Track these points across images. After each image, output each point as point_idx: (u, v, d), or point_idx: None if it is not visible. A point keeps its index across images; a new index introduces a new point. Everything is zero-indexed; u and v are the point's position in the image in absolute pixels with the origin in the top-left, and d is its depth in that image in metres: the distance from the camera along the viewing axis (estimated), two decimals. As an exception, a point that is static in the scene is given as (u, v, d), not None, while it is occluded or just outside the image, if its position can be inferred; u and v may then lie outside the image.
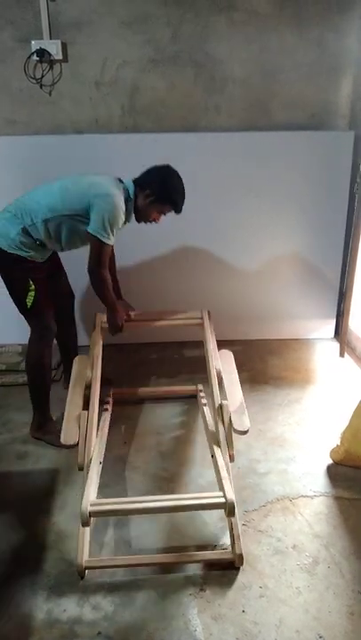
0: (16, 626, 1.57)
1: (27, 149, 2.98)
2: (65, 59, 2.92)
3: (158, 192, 2.26)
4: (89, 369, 2.26)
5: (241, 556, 1.74)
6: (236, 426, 1.91)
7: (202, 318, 2.57)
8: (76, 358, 2.39)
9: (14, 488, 2.15)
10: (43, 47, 2.85)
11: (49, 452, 2.34)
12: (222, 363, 2.31)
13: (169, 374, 2.98)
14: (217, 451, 1.96)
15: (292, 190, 3.12)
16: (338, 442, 2.24)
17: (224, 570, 1.73)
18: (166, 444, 2.41)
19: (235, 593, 1.66)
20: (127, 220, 2.31)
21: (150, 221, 2.37)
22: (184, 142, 3.01)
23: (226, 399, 2.07)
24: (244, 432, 1.90)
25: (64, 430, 1.92)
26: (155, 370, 3.04)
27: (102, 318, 2.51)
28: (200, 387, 2.71)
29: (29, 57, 2.88)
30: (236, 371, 2.28)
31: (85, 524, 1.67)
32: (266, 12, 2.90)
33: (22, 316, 2.36)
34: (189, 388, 2.77)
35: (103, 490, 2.06)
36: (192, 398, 2.73)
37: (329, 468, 2.22)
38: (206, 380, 2.31)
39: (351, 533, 1.88)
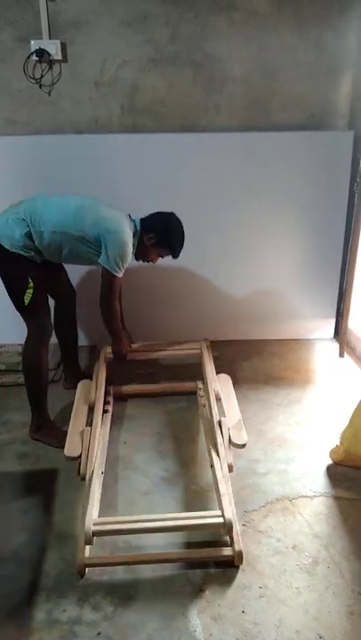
0: (16, 626, 1.57)
1: (26, 149, 2.98)
2: (64, 59, 2.92)
3: (161, 237, 2.41)
4: (93, 391, 2.44)
5: (240, 555, 1.74)
6: (235, 440, 2.10)
7: (200, 349, 2.77)
8: (80, 383, 2.57)
9: (14, 488, 2.15)
10: (42, 47, 2.85)
11: (49, 453, 2.34)
12: (221, 385, 2.49)
13: (169, 374, 2.98)
14: (216, 462, 2.01)
15: (292, 190, 3.12)
16: (338, 442, 2.24)
17: (224, 570, 1.73)
18: (166, 443, 2.41)
19: (234, 593, 1.66)
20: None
21: (148, 261, 2.51)
22: (184, 142, 3.01)
23: (224, 416, 2.25)
24: (243, 445, 2.09)
25: (68, 444, 2.09)
26: (155, 370, 3.04)
27: (107, 349, 2.71)
28: (200, 384, 2.72)
29: (29, 57, 2.88)
30: (233, 392, 2.46)
31: (88, 542, 1.71)
32: (265, 12, 2.90)
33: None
34: (189, 384, 2.78)
35: (103, 490, 2.07)
36: (191, 395, 2.73)
37: (329, 469, 2.22)
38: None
39: (351, 533, 1.88)
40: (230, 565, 1.75)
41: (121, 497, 2.07)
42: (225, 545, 1.81)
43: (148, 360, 2.78)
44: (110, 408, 2.57)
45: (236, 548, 1.75)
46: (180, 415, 2.62)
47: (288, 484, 2.13)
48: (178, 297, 3.23)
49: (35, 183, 2.97)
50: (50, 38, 2.85)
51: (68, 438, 2.12)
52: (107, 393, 2.63)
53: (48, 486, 2.14)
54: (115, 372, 2.76)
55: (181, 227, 2.45)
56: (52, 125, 3.04)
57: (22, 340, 2.41)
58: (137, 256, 2.46)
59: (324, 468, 2.23)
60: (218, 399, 2.39)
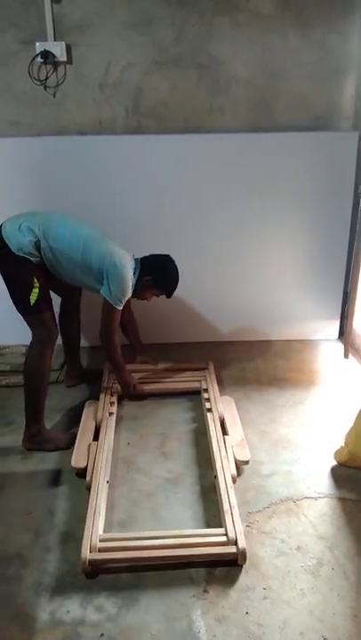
0: (19, 627, 1.57)
1: (31, 151, 2.99)
2: (69, 60, 2.93)
3: (157, 280, 2.53)
4: (100, 410, 2.51)
5: (244, 554, 1.73)
6: (239, 456, 2.19)
7: (204, 377, 2.82)
8: (87, 404, 2.64)
9: (18, 489, 2.15)
10: (47, 49, 2.85)
11: (53, 453, 2.34)
12: (224, 406, 2.55)
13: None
14: (220, 473, 2.06)
15: (297, 191, 3.12)
16: (342, 443, 2.23)
17: (228, 571, 1.73)
18: (170, 444, 2.40)
19: (238, 594, 1.65)
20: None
21: (142, 299, 2.63)
22: (188, 144, 3.02)
23: (228, 434, 2.33)
24: (246, 462, 2.18)
25: (75, 456, 2.20)
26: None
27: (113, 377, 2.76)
28: (203, 385, 2.72)
29: (34, 59, 2.89)
30: (237, 414, 2.52)
31: (88, 574, 1.73)
32: (269, 14, 2.90)
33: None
34: (193, 384, 2.78)
35: (108, 491, 2.07)
36: (195, 395, 2.74)
37: (333, 470, 2.22)
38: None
39: (355, 535, 1.87)
40: (234, 566, 1.74)
41: (124, 498, 2.07)
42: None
43: (153, 390, 2.81)
44: (115, 410, 2.58)
45: (240, 546, 1.74)
46: (184, 416, 2.62)
47: (292, 486, 2.12)
48: (181, 298, 3.23)
49: (39, 184, 2.98)
50: (55, 40, 2.86)
51: (74, 451, 2.23)
52: (111, 392, 2.67)
53: (52, 487, 2.15)
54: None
55: (177, 270, 2.57)
56: (56, 127, 3.05)
57: (26, 341, 2.41)
58: (134, 295, 2.53)
59: (328, 469, 2.22)
60: (221, 420, 2.45)
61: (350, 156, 3.06)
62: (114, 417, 2.54)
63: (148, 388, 2.77)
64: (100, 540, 1.77)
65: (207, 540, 1.78)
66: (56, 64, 2.93)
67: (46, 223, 2.34)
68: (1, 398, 2.81)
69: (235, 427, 2.41)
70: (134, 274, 2.46)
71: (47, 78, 2.95)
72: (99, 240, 2.41)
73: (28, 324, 2.37)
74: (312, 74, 3.02)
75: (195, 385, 2.78)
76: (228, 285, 3.28)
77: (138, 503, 2.04)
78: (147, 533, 1.84)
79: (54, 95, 2.99)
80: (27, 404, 2.40)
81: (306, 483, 2.14)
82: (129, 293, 2.44)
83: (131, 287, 2.42)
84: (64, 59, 2.90)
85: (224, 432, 2.36)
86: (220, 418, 2.45)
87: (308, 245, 3.23)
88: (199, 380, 2.80)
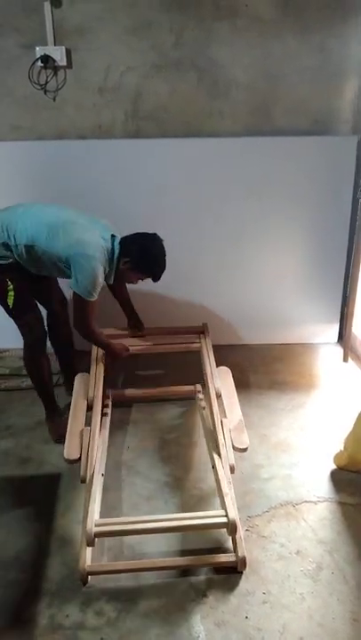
0: (19, 631, 1.57)
1: (30, 155, 3.00)
2: (69, 65, 2.93)
3: (136, 261, 2.30)
4: (91, 389, 2.36)
5: (244, 561, 1.73)
6: (236, 444, 2.02)
7: (199, 341, 2.70)
8: (77, 376, 2.50)
9: (17, 493, 2.15)
10: (47, 53, 2.86)
11: (52, 458, 2.34)
12: (221, 381, 2.41)
13: (169, 377, 2.97)
14: (218, 462, 1.98)
15: (296, 195, 3.12)
16: (341, 447, 2.23)
17: (227, 576, 1.73)
18: (167, 448, 2.40)
19: (238, 599, 1.65)
20: (110, 275, 2.35)
21: (128, 283, 2.49)
22: (187, 147, 3.02)
23: (225, 417, 2.18)
24: (244, 450, 2.01)
25: (67, 446, 2.03)
26: (155, 374, 3.04)
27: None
28: (198, 387, 2.71)
29: (34, 63, 2.90)
30: (234, 389, 2.37)
31: (90, 544, 1.69)
32: (269, 18, 2.91)
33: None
34: (188, 388, 2.77)
35: (106, 495, 2.07)
36: (191, 400, 2.73)
37: (333, 474, 2.21)
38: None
39: (355, 539, 1.87)
40: (233, 571, 1.74)
41: (124, 502, 2.07)
42: (228, 551, 1.81)
43: (147, 355, 2.72)
44: (109, 411, 2.56)
45: (240, 553, 1.74)
46: (182, 419, 2.62)
47: (292, 490, 2.12)
48: (181, 301, 3.23)
49: (38, 188, 2.98)
50: (55, 45, 2.87)
51: (67, 439, 2.07)
52: (105, 396, 2.61)
53: (50, 491, 2.14)
54: (114, 376, 2.76)
55: (161, 249, 2.32)
56: (56, 131, 3.05)
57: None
58: (116, 277, 2.39)
59: (327, 473, 2.22)
60: (218, 396, 2.32)
61: (349, 160, 3.06)
62: (108, 418, 2.51)
63: (138, 348, 2.68)
64: (96, 525, 1.73)
65: (207, 522, 1.77)
66: (56, 68, 2.93)
67: (8, 220, 2.25)
68: (0, 402, 2.80)
69: (232, 406, 2.26)
70: (114, 256, 2.29)
71: (47, 82, 2.96)
72: (63, 225, 2.23)
73: (15, 324, 2.38)
74: (311, 78, 3.03)
75: (192, 348, 2.69)
76: (227, 289, 3.28)
77: (137, 507, 2.04)
78: (145, 517, 1.83)
79: (54, 99, 3.00)
80: (37, 393, 2.50)
81: (305, 487, 2.14)
82: (98, 285, 2.23)
83: (100, 277, 2.23)
84: (64, 63, 2.90)
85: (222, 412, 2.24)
86: (216, 393, 2.32)
87: (307, 249, 3.24)
88: (193, 343, 2.70)
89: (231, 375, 2.49)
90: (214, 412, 2.19)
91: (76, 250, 2.18)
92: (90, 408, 2.28)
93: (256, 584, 1.70)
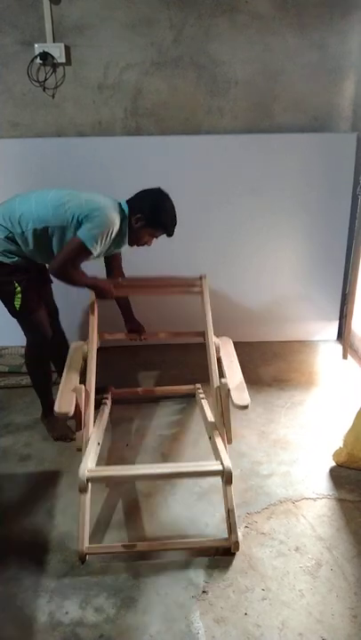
0: (18, 628, 1.57)
1: (30, 152, 2.99)
2: (68, 62, 2.93)
3: (149, 217, 2.24)
4: (86, 344, 2.30)
5: (237, 543, 1.76)
6: (237, 400, 1.91)
7: (201, 285, 2.51)
8: (73, 344, 2.41)
9: (17, 490, 2.15)
10: (46, 50, 2.86)
11: (51, 455, 2.34)
12: (222, 347, 2.35)
13: (170, 377, 2.98)
14: (215, 432, 1.98)
15: (295, 192, 3.12)
16: (341, 444, 2.23)
17: (227, 572, 1.73)
18: (168, 445, 2.40)
19: (237, 595, 1.65)
20: (122, 241, 2.32)
21: (142, 244, 2.36)
22: (187, 145, 3.02)
23: (225, 378, 2.09)
24: (245, 407, 1.89)
25: (58, 400, 1.93)
26: (156, 373, 3.04)
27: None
28: (198, 385, 2.71)
29: (33, 60, 2.89)
30: (235, 354, 2.29)
31: (83, 490, 1.70)
32: (268, 15, 2.90)
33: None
34: (188, 387, 2.76)
35: (104, 492, 2.07)
36: (191, 398, 2.73)
37: (332, 471, 2.22)
38: (206, 381, 2.30)
39: (354, 536, 1.87)
40: (227, 554, 1.78)
41: (123, 499, 2.07)
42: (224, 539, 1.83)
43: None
44: (108, 403, 2.56)
45: (233, 537, 1.78)
46: (182, 417, 2.62)
47: (291, 486, 2.12)
48: (180, 299, 3.22)
49: (37, 186, 2.95)
50: (54, 42, 2.87)
51: (58, 394, 1.98)
52: (104, 391, 2.62)
53: (50, 488, 2.14)
54: (115, 376, 2.76)
55: (170, 202, 2.28)
56: (55, 128, 3.05)
57: (25, 342, 2.42)
58: (130, 242, 2.33)
59: (327, 470, 2.22)
60: (217, 351, 2.27)
61: (349, 156, 3.06)
62: (108, 408, 2.49)
63: (137, 291, 2.54)
64: (89, 471, 1.77)
65: (203, 469, 1.80)
66: (55, 65, 2.93)
67: (9, 211, 2.21)
68: None
69: (232, 368, 2.17)
70: (122, 220, 2.23)
71: (46, 80, 2.95)
72: (69, 196, 2.20)
73: (20, 326, 2.36)
74: (311, 74, 3.03)
75: (191, 291, 2.53)
76: (226, 286, 3.28)
77: (137, 504, 2.04)
78: (138, 465, 1.89)
79: (53, 96, 3.00)
80: (35, 390, 2.49)
81: (305, 483, 2.14)
82: (109, 234, 2.16)
83: (113, 227, 2.16)
84: (63, 60, 2.90)
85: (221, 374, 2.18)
86: (216, 347, 2.24)
87: (306, 246, 3.24)
88: (193, 286, 2.52)
89: (232, 344, 2.41)
90: (213, 370, 2.13)
91: (88, 206, 2.15)
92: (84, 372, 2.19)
93: (255, 580, 1.70)
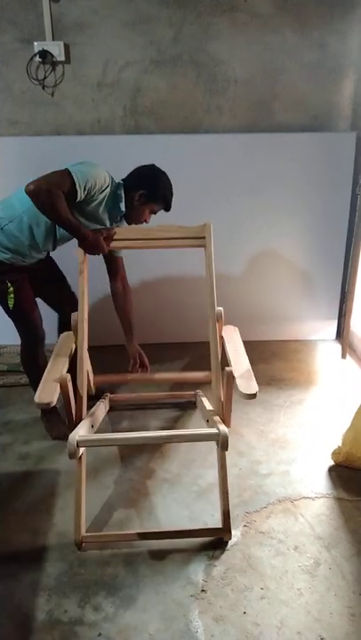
0: (16, 626, 1.57)
1: (28, 150, 2.99)
2: (67, 60, 2.92)
3: (150, 192, 2.23)
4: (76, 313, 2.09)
5: (229, 532, 1.78)
6: (244, 389, 1.76)
7: (204, 238, 2.28)
8: (62, 335, 2.29)
9: (15, 489, 2.15)
10: (45, 48, 2.85)
11: (50, 454, 2.34)
12: (228, 337, 2.22)
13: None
14: (212, 416, 1.92)
15: (295, 191, 3.12)
16: (339, 443, 2.23)
17: (225, 571, 1.73)
18: (167, 444, 2.40)
19: (236, 594, 1.66)
20: (116, 213, 2.26)
21: (140, 222, 2.33)
22: (186, 143, 3.02)
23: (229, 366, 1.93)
24: (253, 395, 1.74)
25: (39, 391, 1.79)
26: (157, 372, 3.03)
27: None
28: (199, 392, 2.69)
29: (32, 58, 2.89)
30: (241, 344, 2.16)
31: (72, 455, 1.69)
32: (268, 13, 2.90)
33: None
34: (188, 392, 2.68)
35: (103, 491, 2.08)
36: (192, 403, 2.71)
37: (330, 470, 2.22)
38: (207, 385, 2.26)
39: (352, 535, 1.88)
40: (221, 543, 1.81)
41: (121, 498, 2.07)
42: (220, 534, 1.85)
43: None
44: (107, 399, 2.54)
45: (226, 525, 1.80)
46: (182, 416, 2.62)
47: (290, 486, 2.13)
48: (180, 298, 3.23)
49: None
50: (53, 40, 2.86)
51: (41, 384, 1.83)
52: (103, 393, 2.60)
53: (49, 487, 2.14)
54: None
55: (167, 175, 2.29)
56: (54, 126, 3.05)
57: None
58: (129, 220, 2.31)
59: (325, 469, 2.23)
60: (219, 320, 2.15)
61: (348, 155, 3.06)
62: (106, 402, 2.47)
63: (139, 244, 2.28)
64: (80, 436, 1.74)
65: (199, 433, 1.82)
66: (54, 63, 2.92)
67: (5, 202, 2.22)
68: (-1, 398, 2.81)
69: (239, 356, 2.03)
70: (118, 195, 2.21)
71: (45, 78, 2.95)
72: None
73: (14, 325, 2.36)
74: (310, 74, 3.03)
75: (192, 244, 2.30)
76: (225, 285, 3.26)
77: (135, 503, 2.04)
78: (131, 433, 1.87)
79: (52, 94, 2.99)
80: (33, 389, 2.43)
81: (303, 483, 2.14)
82: (96, 181, 2.08)
83: (102, 177, 2.10)
84: (62, 58, 2.89)
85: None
86: (218, 315, 2.13)
87: (305, 245, 3.24)
88: (197, 238, 2.29)
89: (238, 333, 2.30)
90: (212, 347, 2.02)
91: (81, 161, 2.12)
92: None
93: (254, 579, 1.70)
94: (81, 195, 2.06)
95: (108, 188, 2.19)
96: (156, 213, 2.35)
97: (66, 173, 2.02)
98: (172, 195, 2.30)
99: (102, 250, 2.18)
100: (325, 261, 3.27)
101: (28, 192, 1.98)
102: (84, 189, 2.06)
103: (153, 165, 2.31)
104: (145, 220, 2.35)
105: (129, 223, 2.35)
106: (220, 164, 3.04)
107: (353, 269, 3.12)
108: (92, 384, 2.47)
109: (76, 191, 2.03)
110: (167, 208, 2.31)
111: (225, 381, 1.88)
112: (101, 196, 2.17)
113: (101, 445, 1.82)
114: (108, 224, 2.31)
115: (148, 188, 2.23)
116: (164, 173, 2.29)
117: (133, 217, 2.31)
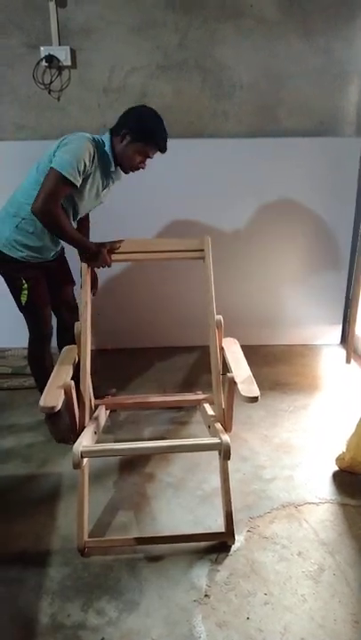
0: (20, 630, 1.57)
1: (34, 154, 2.96)
2: (74, 65, 2.94)
3: (135, 131, 2.08)
4: (81, 321, 2.10)
5: (232, 534, 1.78)
6: (245, 392, 1.78)
7: (203, 250, 2.27)
8: (65, 347, 2.27)
9: (19, 491, 2.15)
10: (52, 53, 2.87)
11: (54, 457, 2.34)
12: (228, 347, 2.22)
13: (174, 381, 2.97)
14: (213, 422, 1.94)
15: (299, 196, 3.12)
16: (343, 449, 2.23)
17: (229, 576, 1.73)
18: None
19: (239, 600, 1.65)
20: (110, 169, 2.19)
21: (137, 168, 2.19)
22: (192, 148, 3.03)
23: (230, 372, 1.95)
24: (254, 398, 1.76)
25: (44, 395, 1.81)
26: (159, 376, 3.04)
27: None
28: (200, 392, 2.69)
29: (38, 63, 2.90)
30: (242, 353, 2.15)
31: (77, 466, 1.70)
32: (273, 19, 2.91)
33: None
34: (192, 397, 2.61)
35: (107, 495, 2.08)
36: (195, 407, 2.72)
37: (335, 475, 2.21)
38: (210, 387, 2.24)
39: (357, 541, 1.87)
40: (224, 547, 1.81)
41: (125, 502, 2.07)
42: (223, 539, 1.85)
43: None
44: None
45: (229, 528, 1.81)
46: (185, 420, 2.62)
47: (294, 491, 2.12)
48: (183, 301, 3.23)
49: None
50: (59, 44, 2.88)
51: (46, 389, 1.85)
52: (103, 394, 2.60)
53: (53, 490, 2.14)
54: (117, 378, 2.76)
55: (158, 115, 2.11)
56: (60, 131, 3.05)
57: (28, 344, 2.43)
58: (122, 167, 2.19)
59: (329, 474, 2.22)
60: (219, 326, 2.16)
61: (353, 161, 3.07)
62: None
63: (136, 257, 2.27)
64: (83, 446, 1.75)
65: (201, 443, 1.80)
66: (60, 68, 2.94)
67: (14, 201, 2.24)
68: (3, 401, 2.81)
69: (239, 362, 2.03)
70: (104, 151, 2.12)
71: (52, 82, 2.96)
72: (46, 155, 2.14)
73: (24, 319, 2.38)
74: (316, 79, 3.03)
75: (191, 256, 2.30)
76: (229, 289, 3.27)
77: (139, 507, 2.04)
78: (134, 442, 1.90)
79: (58, 99, 3.01)
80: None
81: (307, 488, 2.14)
82: (81, 163, 2.01)
83: (86, 152, 2.02)
84: (68, 63, 2.91)
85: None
86: (217, 323, 2.12)
87: (310, 250, 3.24)
88: (195, 251, 2.28)
89: (239, 345, 2.27)
90: (212, 348, 2.03)
91: (60, 141, 2.08)
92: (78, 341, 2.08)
93: (258, 585, 1.70)
94: (79, 182, 2.05)
95: (96, 154, 2.10)
96: (150, 157, 2.18)
97: (58, 176, 1.99)
98: (163, 134, 2.11)
99: (106, 262, 2.18)
100: (330, 266, 3.27)
101: (34, 212, 2.03)
102: (80, 175, 2.04)
103: (142, 105, 2.21)
104: (140, 166, 2.18)
105: (125, 172, 2.25)
106: (225, 168, 3.05)
107: (357, 274, 3.12)
108: (92, 403, 2.45)
109: (74, 184, 2.03)
110: (161, 149, 2.14)
111: (226, 387, 1.89)
112: (93, 165, 2.12)
113: (105, 456, 1.85)
114: (110, 182, 2.27)
115: (132, 127, 2.08)
116: (152, 112, 2.12)
117: (124, 162, 2.17)
